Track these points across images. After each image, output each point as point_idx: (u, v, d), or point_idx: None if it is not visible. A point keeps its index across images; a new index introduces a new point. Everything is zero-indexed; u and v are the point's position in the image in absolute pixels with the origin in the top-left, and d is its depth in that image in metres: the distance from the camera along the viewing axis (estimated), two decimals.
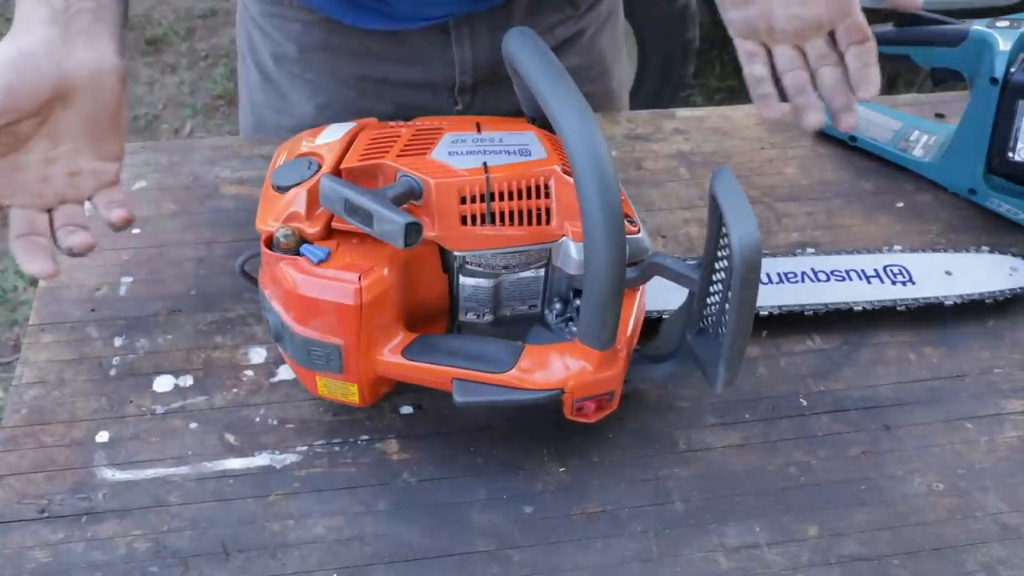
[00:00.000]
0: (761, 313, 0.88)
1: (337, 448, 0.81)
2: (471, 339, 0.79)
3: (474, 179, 0.74)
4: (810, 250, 0.95)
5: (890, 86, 2.81)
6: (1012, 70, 0.95)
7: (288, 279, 0.74)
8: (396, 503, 0.78)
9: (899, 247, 0.97)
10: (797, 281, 0.92)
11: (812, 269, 0.92)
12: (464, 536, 0.75)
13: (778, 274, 0.92)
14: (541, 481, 0.79)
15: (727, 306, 0.69)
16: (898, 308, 0.91)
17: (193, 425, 0.83)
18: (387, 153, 0.77)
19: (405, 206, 0.73)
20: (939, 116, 1.15)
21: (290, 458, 0.81)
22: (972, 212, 1.02)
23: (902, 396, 0.86)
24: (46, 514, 0.76)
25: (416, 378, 0.77)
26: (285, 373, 0.87)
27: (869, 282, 0.92)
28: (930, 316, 0.92)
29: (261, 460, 0.80)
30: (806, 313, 0.90)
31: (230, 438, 0.82)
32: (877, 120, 1.12)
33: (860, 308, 0.90)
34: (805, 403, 0.85)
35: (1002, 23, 0.98)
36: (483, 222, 0.74)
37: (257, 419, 0.83)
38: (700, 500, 0.78)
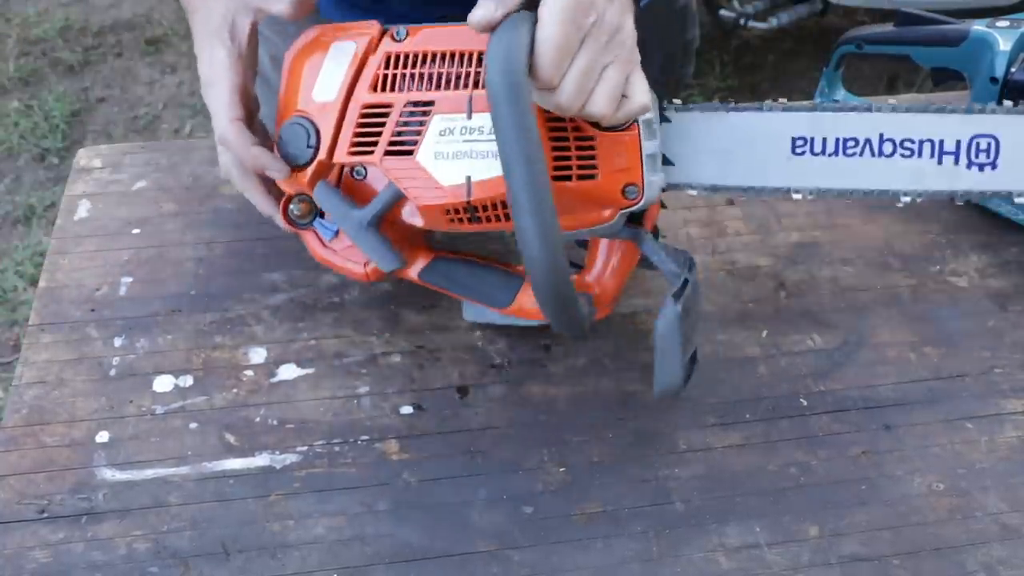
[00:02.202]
0: (796, 195, 0.81)
1: (337, 448, 0.81)
2: (479, 270, 0.84)
3: (457, 197, 0.75)
4: (887, 103, 0.80)
5: (890, 86, 2.81)
6: (1012, 70, 0.95)
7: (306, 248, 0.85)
8: (396, 503, 0.78)
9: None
10: (855, 154, 0.79)
11: (881, 135, 0.79)
12: (464, 536, 0.75)
13: (836, 140, 0.79)
14: (541, 481, 0.79)
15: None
16: (956, 202, 0.80)
17: (193, 425, 0.83)
18: (375, 148, 0.77)
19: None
20: None
21: (290, 458, 0.81)
22: (972, 212, 1.02)
23: (902, 396, 0.86)
24: (46, 514, 0.76)
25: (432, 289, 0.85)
26: (285, 373, 0.87)
27: (941, 161, 0.79)
28: (930, 316, 0.92)
29: (261, 460, 0.80)
30: (847, 200, 0.81)
31: (230, 438, 0.82)
32: None
33: (919, 199, 0.80)
34: (805, 403, 0.85)
35: (1002, 23, 0.98)
36: (469, 221, 0.77)
37: (257, 419, 0.83)
38: (700, 500, 0.78)
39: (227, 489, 0.78)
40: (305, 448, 0.81)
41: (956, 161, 0.79)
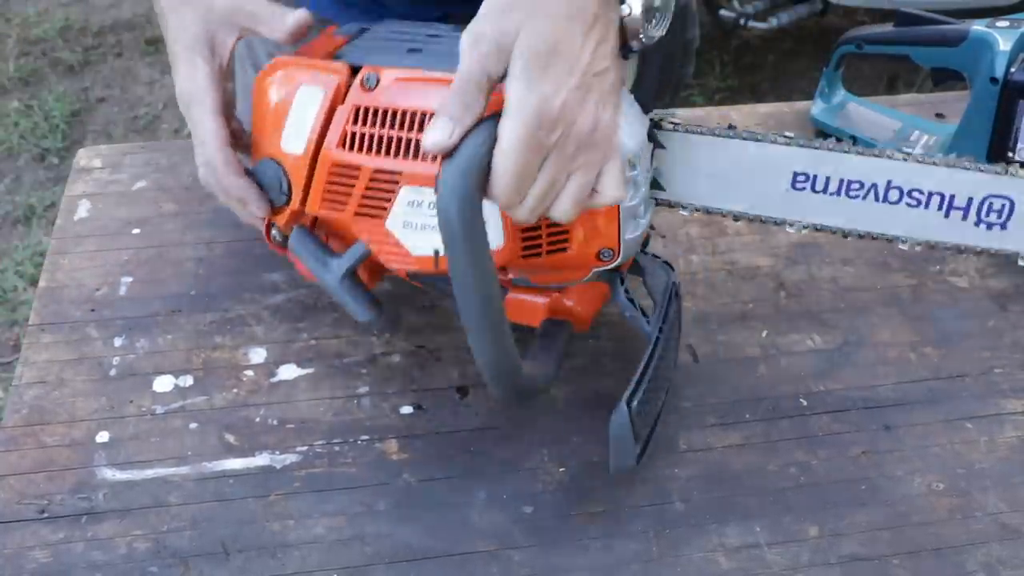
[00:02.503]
0: (789, 228, 0.79)
1: (337, 448, 0.81)
2: None
3: (424, 267, 0.75)
4: (899, 154, 0.76)
5: (890, 86, 2.81)
6: (1012, 70, 0.95)
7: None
8: (396, 503, 0.78)
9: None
10: (858, 196, 0.77)
11: (888, 182, 0.76)
12: (464, 536, 0.75)
13: (840, 181, 0.77)
14: (541, 481, 0.79)
15: None
16: (961, 251, 0.77)
17: (193, 425, 0.83)
18: (345, 206, 0.75)
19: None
20: (939, 116, 1.15)
21: (290, 458, 0.81)
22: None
23: (902, 396, 0.86)
24: (46, 514, 0.76)
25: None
26: (285, 373, 0.87)
27: (948, 215, 0.76)
28: (930, 316, 0.92)
29: (261, 460, 0.80)
30: (846, 237, 0.78)
31: (230, 438, 0.82)
32: (877, 120, 1.12)
33: (917, 247, 0.78)
34: (805, 403, 0.85)
35: (1002, 23, 0.98)
36: (440, 271, 0.75)
37: (257, 419, 0.83)
38: (700, 500, 0.78)
39: (227, 489, 0.78)
40: (305, 448, 0.81)
41: (964, 216, 0.76)
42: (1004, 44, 0.96)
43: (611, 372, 0.87)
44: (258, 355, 0.88)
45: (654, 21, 0.70)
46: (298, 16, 0.79)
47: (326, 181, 0.75)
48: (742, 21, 2.89)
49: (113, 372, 0.87)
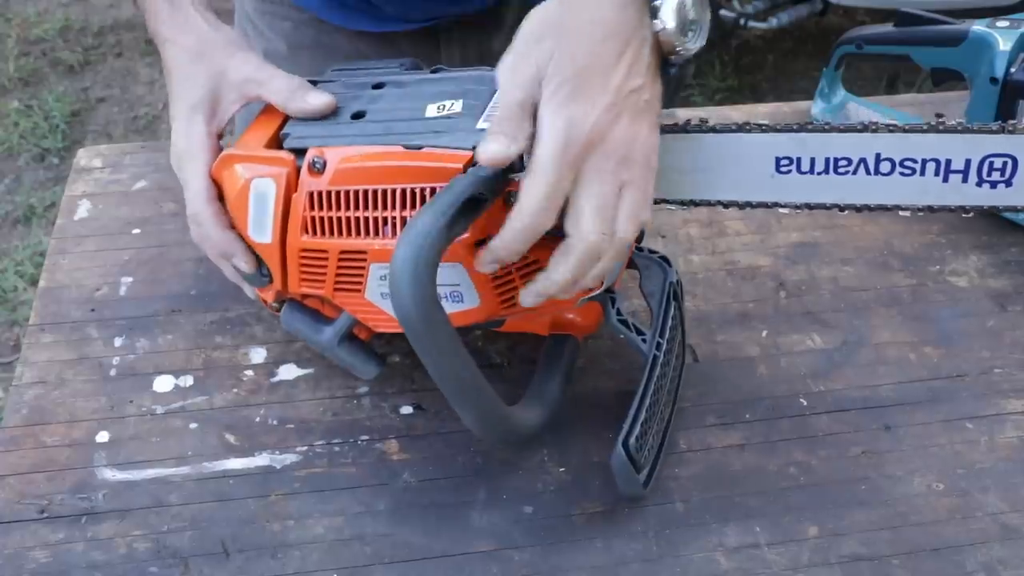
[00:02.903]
0: (782, 209, 0.79)
1: (337, 448, 0.81)
2: None
3: None
4: (883, 127, 0.75)
5: (890, 86, 2.81)
6: (1012, 70, 0.95)
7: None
8: (396, 503, 0.78)
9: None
10: (847, 172, 0.76)
11: (877, 155, 0.75)
12: (464, 536, 0.75)
13: (826, 160, 0.76)
14: (541, 481, 0.79)
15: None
16: (964, 214, 0.76)
17: (193, 425, 0.83)
18: (323, 284, 0.76)
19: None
20: (939, 116, 1.15)
21: (290, 458, 0.81)
22: (972, 212, 1.02)
23: (902, 396, 0.86)
24: (46, 514, 0.76)
25: None
26: (285, 373, 0.87)
27: (947, 180, 0.74)
28: (930, 316, 0.92)
29: (261, 460, 0.80)
30: (843, 211, 0.77)
31: (230, 438, 0.82)
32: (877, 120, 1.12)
33: (920, 212, 0.76)
34: (805, 403, 0.85)
35: (1002, 23, 0.98)
36: None
37: (257, 419, 0.83)
38: (700, 500, 0.78)
39: (227, 489, 0.78)
40: (305, 448, 0.81)
41: (964, 179, 0.75)
42: (1004, 44, 0.96)
43: (611, 372, 0.87)
44: (258, 355, 0.88)
45: (690, 34, 0.70)
46: (323, 100, 0.77)
47: (299, 265, 0.76)
48: (742, 21, 2.89)
49: (113, 372, 0.87)
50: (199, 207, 0.78)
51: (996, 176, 0.74)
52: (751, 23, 2.90)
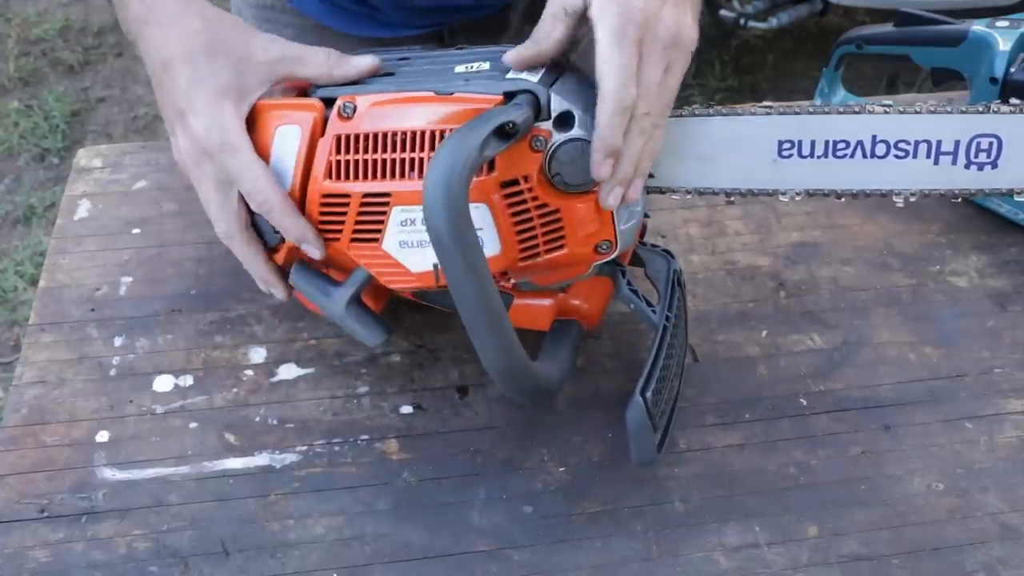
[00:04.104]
0: (782, 196, 0.80)
1: (337, 448, 0.81)
2: None
3: (426, 283, 0.75)
4: (881, 105, 0.77)
5: (890, 86, 2.81)
6: (1012, 70, 0.95)
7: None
8: (396, 503, 0.78)
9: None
10: (845, 156, 0.77)
11: (874, 137, 0.77)
12: (464, 536, 0.75)
13: (826, 143, 0.78)
14: (541, 481, 0.79)
15: None
16: (953, 199, 0.78)
17: (193, 425, 0.83)
18: (340, 235, 0.76)
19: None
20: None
21: (290, 458, 0.81)
22: (972, 212, 1.02)
23: (902, 396, 0.86)
24: (46, 514, 0.76)
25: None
26: (285, 373, 0.87)
27: (937, 162, 0.77)
28: (930, 316, 0.92)
29: (261, 460, 0.80)
30: (839, 198, 0.79)
31: (230, 438, 0.82)
32: None
33: (912, 197, 0.78)
34: (805, 403, 0.85)
35: (1002, 23, 0.98)
36: (441, 284, 0.75)
37: (257, 419, 0.83)
38: (700, 500, 0.78)
39: (227, 489, 0.78)
40: (305, 448, 0.81)
41: (954, 161, 0.77)
42: (1004, 44, 0.96)
43: (611, 372, 0.87)
44: (258, 355, 0.89)
45: None
46: (368, 61, 0.77)
47: (318, 213, 0.76)
48: (742, 21, 2.90)
49: (113, 372, 0.87)
50: (268, 194, 0.74)
51: (983, 157, 0.76)
52: (751, 23, 2.90)
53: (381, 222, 0.74)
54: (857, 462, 0.81)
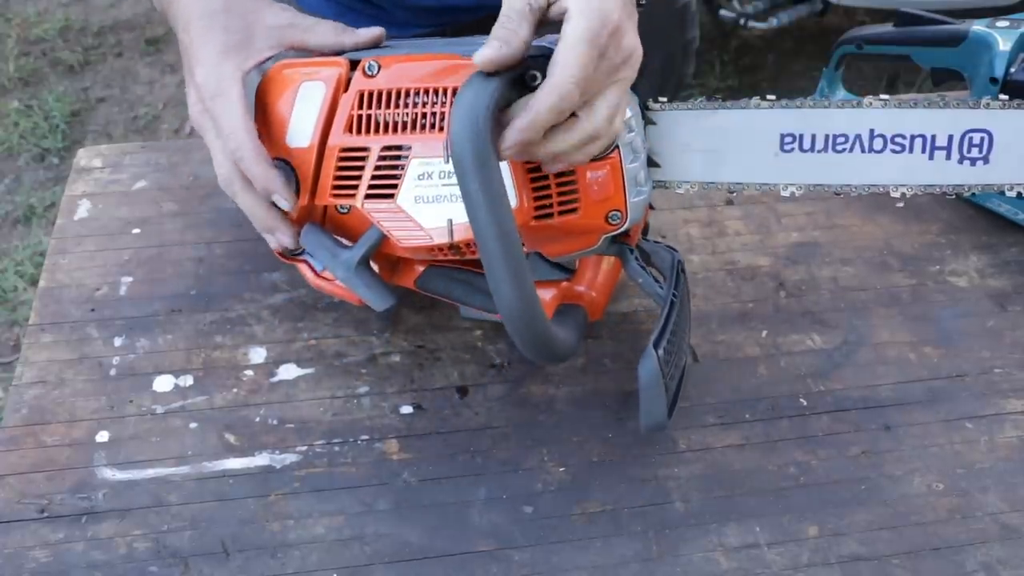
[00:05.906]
0: (783, 191, 0.81)
1: (337, 448, 0.81)
2: (474, 277, 0.83)
3: (439, 239, 0.75)
4: (877, 102, 0.78)
5: (890, 86, 2.81)
6: (1012, 70, 0.95)
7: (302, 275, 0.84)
8: (396, 503, 0.78)
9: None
10: (844, 150, 0.79)
11: (871, 131, 0.78)
12: (464, 536, 0.75)
13: (826, 136, 0.79)
14: (541, 481, 0.79)
15: None
16: (946, 195, 0.80)
17: (193, 425, 0.83)
18: (355, 191, 0.76)
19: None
20: None
21: (290, 458, 0.81)
22: (972, 212, 1.02)
23: (902, 396, 0.86)
24: (46, 514, 0.76)
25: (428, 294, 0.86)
26: (285, 373, 0.87)
27: (932, 157, 0.78)
28: (930, 316, 0.92)
29: (261, 460, 0.80)
30: (838, 195, 0.79)
31: (230, 438, 0.82)
32: None
33: (908, 192, 0.79)
34: (805, 403, 0.85)
35: (1002, 23, 0.98)
36: (452, 253, 0.77)
37: (257, 419, 0.83)
38: (700, 500, 0.78)
39: (227, 489, 0.78)
40: (305, 448, 0.81)
41: (948, 156, 0.78)
42: (1004, 44, 0.96)
43: (611, 372, 0.87)
44: (258, 355, 0.89)
45: None
46: (374, 30, 0.80)
47: (335, 168, 0.77)
48: (742, 21, 2.89)
49: (113, 372, 0.87)
50: (242, 140, 0.75)
51: (975, 152, 0.78)
52: (751, 23, 2.90)
53: (398, 176, 0.75)
54: (857, 462, 0.81)
